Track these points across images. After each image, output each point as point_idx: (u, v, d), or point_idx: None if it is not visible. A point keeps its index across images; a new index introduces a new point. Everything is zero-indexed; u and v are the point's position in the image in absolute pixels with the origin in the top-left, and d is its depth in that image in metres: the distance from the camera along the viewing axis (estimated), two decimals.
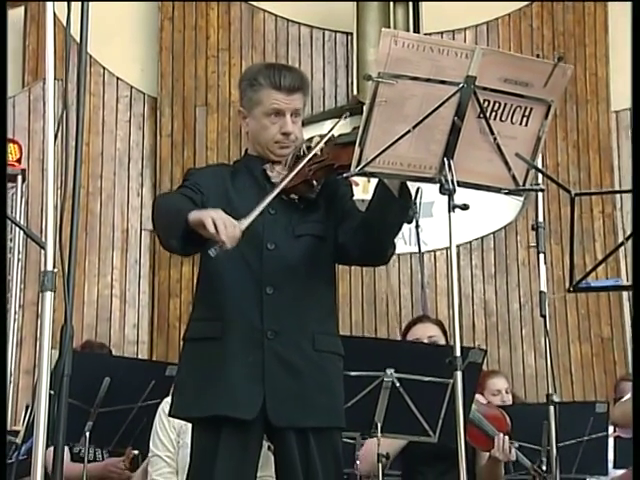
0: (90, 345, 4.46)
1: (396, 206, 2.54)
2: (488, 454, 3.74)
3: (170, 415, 2.73)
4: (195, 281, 2.73)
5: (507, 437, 3.67)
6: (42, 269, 2.04)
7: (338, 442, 2.62)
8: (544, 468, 3.67)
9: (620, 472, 4.44)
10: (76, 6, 2.25)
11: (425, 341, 3.75)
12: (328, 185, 2.63)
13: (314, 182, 2.59)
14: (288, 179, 2.54)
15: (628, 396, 3.68)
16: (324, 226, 2.64)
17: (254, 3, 8.05)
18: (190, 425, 3.54)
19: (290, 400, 2.51)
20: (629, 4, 8.36)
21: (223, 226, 2.35)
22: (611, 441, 4.24)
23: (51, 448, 2.01)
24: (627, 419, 3.62)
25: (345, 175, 2.48)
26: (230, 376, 2.51)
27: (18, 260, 7.28)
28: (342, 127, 2.68)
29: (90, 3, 2.25)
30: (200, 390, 2.54)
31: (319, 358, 2.57)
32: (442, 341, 3.79)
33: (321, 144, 2.57)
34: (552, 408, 3.60)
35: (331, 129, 2.59)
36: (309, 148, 2.60)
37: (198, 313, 2.66)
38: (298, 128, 2.69)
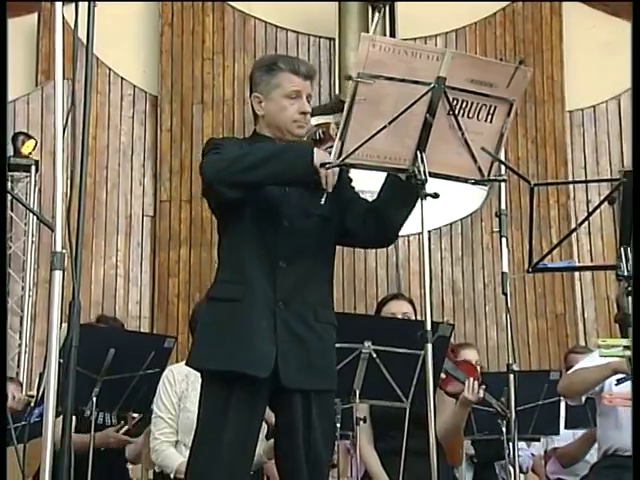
0: (105, 319, 4.44)
1: (405, 189, 2.52)
2: (453, 405, 3.75)
3: (187, 364, 2.64)
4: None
5: (476, 381, 3.68)
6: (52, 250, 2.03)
7: (333, 403, 2.64)
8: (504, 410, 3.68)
9: (570, 432, 4.46)
10: (84, 13, 2.22)
11: (399, 316, 3.75)
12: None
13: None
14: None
15: (574, 368, 3.68)
16: (331, 208, 2.59)
17: (245, 9, 8.02)
18: (191, 391, 3.56)
19: (298, 364, 2.49)
20: (583, 15, 8.40)
21: (332, 178, 2.43)
22: (563, 405, 4.25)
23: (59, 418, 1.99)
24: (570, 390, 3.64)
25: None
26: (248, 336, 2.47)
27: (32, 242, 7.24)
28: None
29: (96, 10, 2.22)
30: (219, 345, 2.50)
31: (320, 328, 2.56)
32: (413, 317, 3.79)
33: (333, 126, 2.55)
34: (512, 376, 3.61)
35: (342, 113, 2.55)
36: (324, 133, 2.59)
37: (223, 275, 2.61)
38: (310, 111, 2.66)
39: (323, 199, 2.45)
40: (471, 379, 3.68)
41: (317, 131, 2.62)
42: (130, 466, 4.36)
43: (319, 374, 2.53)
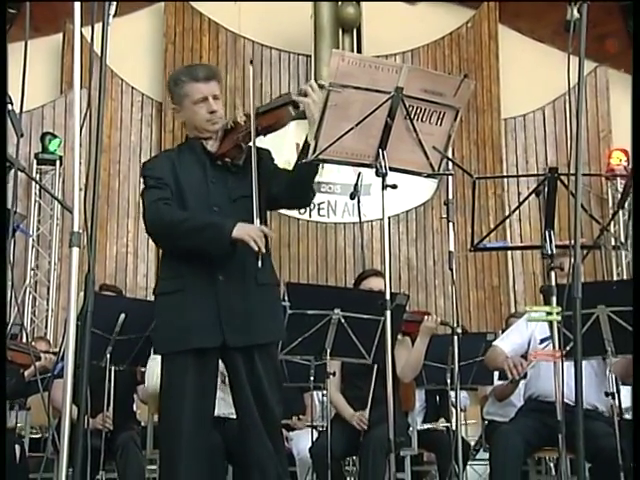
0: (107, 287, 4.37)
1: (308, 167, 2.50)
2: (410, 348, 3.75)
3: (155, 352, 2.64)
4: None
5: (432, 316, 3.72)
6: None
7: (276, 354, 2.59)
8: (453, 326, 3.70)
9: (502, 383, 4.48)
10: (99, 33, 2.17)
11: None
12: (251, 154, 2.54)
13: (243, 145, 2.52)
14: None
15: (495, 342, 3.67)
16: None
17: (236, 31, 7.96)
18: None
19: (240, 326, 2.46)
20: (515, 40, 8.44)
21: (260, 241, 2.37)
22: None
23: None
24: (488, 367, 3.66)
25: (304, 161, 2.43)
26: (194, 316, 2.46)
27: (57, 225, 7.20)
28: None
29: (110, 29, 2.17)
30: (171, 331, 2.48)
31: (260, 290, 2.51)
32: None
33: (241, 115, 2.55)
34: (455, 338, 3.62)
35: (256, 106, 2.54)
36: (235, 122, 2.56)
37: (164, 273, 2.59)
38: (220, 108, 2.62)
39: (260, 262, 2.38)
40: (426, 316, 3.71)
41: (228, 122, 2.57)
42: (138, 410, 4.32)
43: (259, 330, 2.49)
